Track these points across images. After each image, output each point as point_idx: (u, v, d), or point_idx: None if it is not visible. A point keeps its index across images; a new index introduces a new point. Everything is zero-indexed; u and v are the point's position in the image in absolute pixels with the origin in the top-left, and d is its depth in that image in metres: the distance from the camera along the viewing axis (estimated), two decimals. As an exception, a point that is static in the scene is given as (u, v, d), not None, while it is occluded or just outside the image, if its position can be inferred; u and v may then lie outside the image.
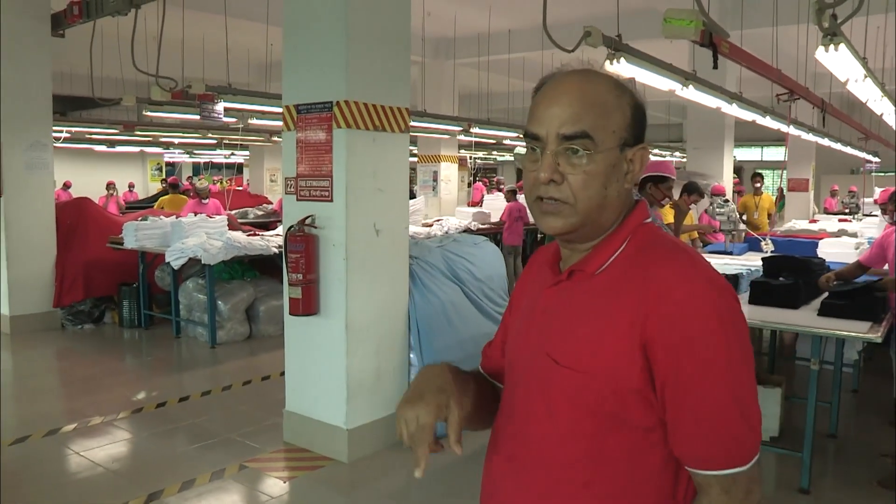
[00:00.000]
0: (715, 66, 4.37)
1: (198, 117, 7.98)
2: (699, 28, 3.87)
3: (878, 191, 15.39)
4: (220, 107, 6.69)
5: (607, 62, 4.61)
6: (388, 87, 4.26)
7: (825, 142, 12.23)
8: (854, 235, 8.11)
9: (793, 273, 4.49)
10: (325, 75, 4.05)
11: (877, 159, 19.79)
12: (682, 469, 1.14)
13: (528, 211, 10.98)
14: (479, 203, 16.95)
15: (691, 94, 5.86)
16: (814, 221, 11.02)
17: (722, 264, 5.06)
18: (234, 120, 9.36)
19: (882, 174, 21.27)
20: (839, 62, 4.57)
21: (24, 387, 5.81)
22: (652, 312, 1.08)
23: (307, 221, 4.14)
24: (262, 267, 7.59)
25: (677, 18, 3.82)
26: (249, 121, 8.98)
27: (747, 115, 7.72)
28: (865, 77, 5.50)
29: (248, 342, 7.15)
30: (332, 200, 4.09)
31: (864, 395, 5.79)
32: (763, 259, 4.69)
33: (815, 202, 18.53)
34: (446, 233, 9.78)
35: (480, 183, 21.10)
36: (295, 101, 4.20)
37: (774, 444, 4.57)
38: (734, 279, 4.53)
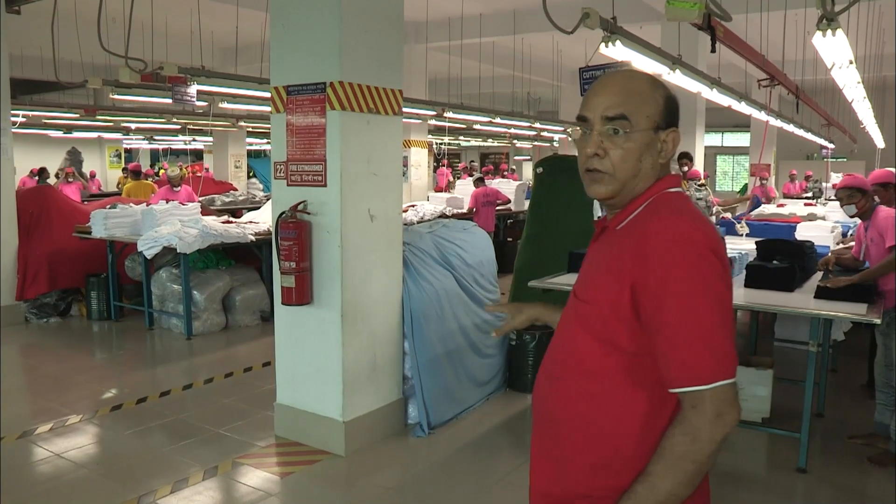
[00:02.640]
0: (713, 50, 4.31)
1: (165, 101, 7.70)
2: (701, 11, 3.80)
3: (835, 175, 15.69)
4: (192, 90, 6.44)
5: (602, 45, 4.52)
6: (382, 68, 4.12)
7: (790, 128, 12.38)
8: (823, 219, 8.21)
9: (786, 257, 4.48)
10: (318, 55, 3.89)
11: (832, 145, 20.20)
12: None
13: (497, 194, 11.08)
14: (444, 189, 16.82)
15: (677, 78, 5.81)
16: (781, 206, 11.16)
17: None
18: (204, 104, 9.06)
19: (833, 160, 21.70)
20: (833, 48, 4.56)
21: (-9, 383, 5.55)
22: (637, 255, 1.34)
23: (300, 207, 3.98)
24: (237, 255, 7.38)
25: (680, 1, 3.74)
26: (219, 104, 8.70)
27: (724, 101, 7.73)
28: (850, 63, 5.52)
29: (224, 333, 6.95)
30: (325, 185, 3.94)
31: (844, 375, 5.85)
32: (757, 243, 4.68)
33: (776, 186, 18.84)
34: (422, 219, 9.66)
35: (445, 168, 20.91)
36: (285, 82, 4.03)
37: (769, 425, 4.59)
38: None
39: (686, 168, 8.57)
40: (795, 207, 10.32)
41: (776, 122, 11.25)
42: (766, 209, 10.68)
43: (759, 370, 4.74)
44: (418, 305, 4.52)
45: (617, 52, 4.50)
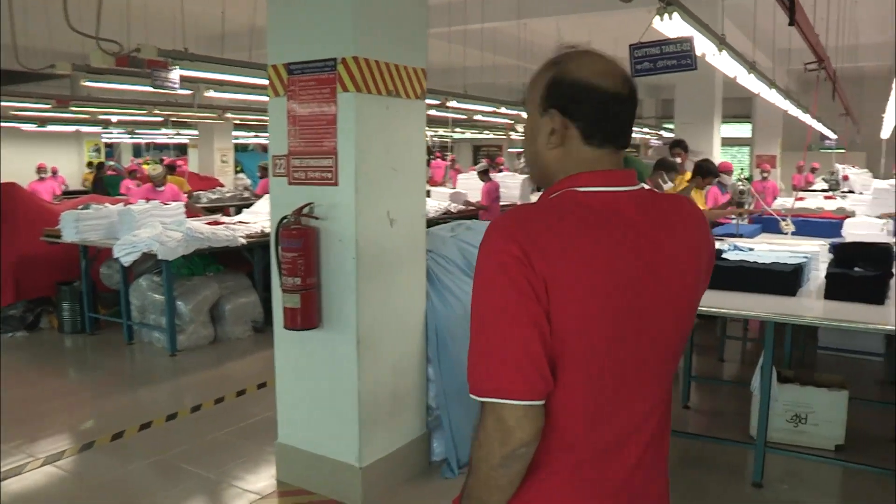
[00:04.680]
0: (791, 23, 3.67)
1: (145, 89, 6.94)
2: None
3: (840, 167, 15.12)
4: (174, 74, 5.69)
5: (657, 17, 3.85)
6: (403, 42, 3.42)
7: (805, 117, 11.77)
8: (853, 214, 7.61)
9: (871, 263, 3.83)
10: (327, 26, 3.19)
11: (834, 136, 19.66)
12: None
13: (499, 190, 10.44)
14: (440, 182, 16.08)
15: (723, 60, 5.15)
16: (800, 199, 10.56)
17: (772, 253, 4.36)
18: (189, 92, 8.30)
19: (829, 151, 21.21)
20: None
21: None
22: None
23: (305, 211, 3.29)
24: (226, 259, 6.65)
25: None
26: (205, 93, 7.94)
27: (758, 87, 7.07)
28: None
29: (213, 347, 6.22)
30: (336, 184, 3.25)
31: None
32: (834, 246, 4.02)
33: (783, 178, 18.33)
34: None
35: (441, 160, 20.13)
36: (286, 59, 3.32)
37: (843, 455, 3.96)
38: (797, 271, 3.83)
39: (679, 159, 7.78)
40: (816, 201, 9.75)
41: (796, 111, 10.61)
42: (786, 202, 10.11)
43: (833, 391, 4.11)
44: (444, 323, 3.84)
45: (674, 26, 3.82)
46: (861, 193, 10.87)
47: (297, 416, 3.57)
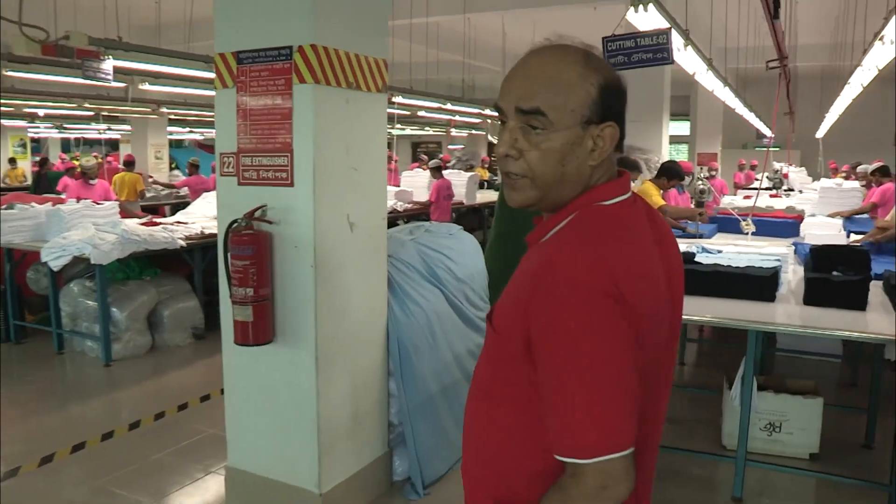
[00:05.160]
0: (776, 17, 3.54)
1: (75, 80, 6.46)
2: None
3: (778, 165, 15.40)
4: (107, 65, 5.27)
5: (631, 9, 3.66)
6: (364, 30, 3.16)
7: (750, 115, 11.91)
8: (803, 213, 7.64)
9: (848, 267, 3.72)
10: (282, 10, 2.89)
11: (772, 134, 20.05)
12: None
13: (451, 188, 10.22)
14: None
15: (688, 56, 5.02)
16: (748, 198, 10.64)
17: (743, 256, 4.25)
18: (122, 85, 7.79)
19: (763, 149, 21.65)
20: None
21: None
22: (534, 293, 1.12)
23: (257, 214, 2.99)
24: (163, 262, 6.24)
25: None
26: (140, 86, 7.47)
27: (714, 85, 7.01)
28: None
29: (151, 356, 5.82)
30: (292, 185, 2.96)
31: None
32: (812, 249, 3.91)
33: (723, 177, 18.61)
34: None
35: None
36: (235, 47, 3.01)
37: (817, 466, 3.87)
38: (775, 276, 3.71)
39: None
40: (764, 199, 9.81)
41: (743, 110, 10.70)
42: (735, 201, 10.16)
43: (807, 399, 4.01)
44: (407, 334, 3.58)
45: (649, 19, 3.64)
46: (801, 192, 11.05)
47: (249, 438, 3.26)
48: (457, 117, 14.06)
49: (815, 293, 3.56)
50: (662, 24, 3.83)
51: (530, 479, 1.21)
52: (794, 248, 5.01)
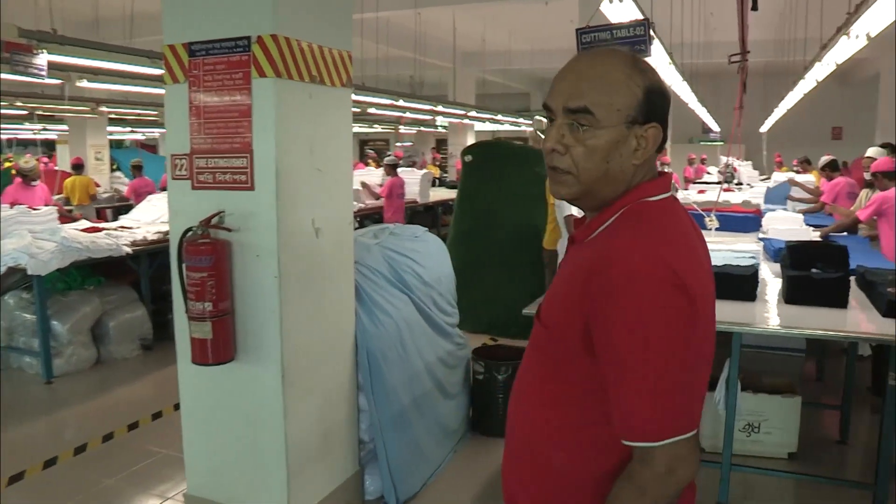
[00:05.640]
0: (754, 7, 3.44)
1: (3, 76, 6.04)
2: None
3: (724, 159, 15.59)
4: (41, 59, 4.90)
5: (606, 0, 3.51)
6: (328, 20, 2.93)
7: (701, 110, 12.00)
8: (758, 207, 7.66)
9: (827, 264, 3.64)
10: (237, -3, 2.65)
11: (719, 129, 20.35)
12: None
13: (404, 186, 10.00)
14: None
15: (654, 49, 4.90)
16: (702, 192, 10.69)
17: (717, 253, 4.14)
18: (58, 82, 7.34)
19: (709, 143, 22.02)
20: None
21: None
22: (593, 283, 1.16)
23: (215, 221, 2.74)
24: (107, 270, 5.87)
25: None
26: (77, 83, 7.05)
27: (674, 78, 6.96)
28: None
29: (96, 370, 5.47)
30: (252, 188, 2.72)
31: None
32: (790, 246, 3.82)
33: (675, 171, 18.79)
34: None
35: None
36: (186, 38, 2.75)
37: (797, 466, 3.80)
38: (756, 275, 3.61)
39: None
40: (715, 194, 9.85)
41: (696, 105, 10.75)
42: (690, 196, 10.18)
43: (786, 398, 3.94)
44: (376, 345, 3.37)
45: (623, 10, 3.49)
46: (751, 186, 11.16)
47: (211, 464, 3.01)
48: (407, 114, 13.82)
49: (797, 291, 3.47)
50: (636, 15, 3.69)
51: (598, 478, 1.24)
52: (762, 243, 4.95)
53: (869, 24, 4.06)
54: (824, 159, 8.32)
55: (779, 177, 9.12)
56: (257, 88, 2.65)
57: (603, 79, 1.21)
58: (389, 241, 3.99)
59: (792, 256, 3.73)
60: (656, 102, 1.23)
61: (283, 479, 2.83)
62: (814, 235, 5.51)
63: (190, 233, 2.69)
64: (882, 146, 7.54)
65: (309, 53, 2.79)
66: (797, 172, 10.48)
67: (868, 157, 6.67)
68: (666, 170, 12.41)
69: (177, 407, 4.43)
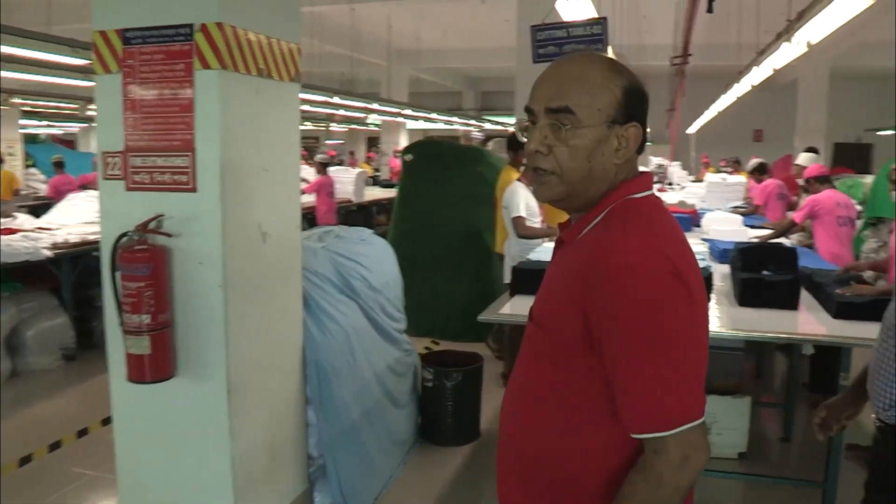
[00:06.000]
0: (709, 10, 3.41)
1: None
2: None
3: (654, 160, 15.91)
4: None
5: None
6: (277, 10, 2.73)
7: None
8: (694, 207, 7.78)
9: (778, 266, 3.64)
10: (178, -19, 2.43)
11: (648, 130, 20.68)
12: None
13: (334, 185, 9.76)
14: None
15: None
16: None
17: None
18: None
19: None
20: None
21: None
22: (590, 281, 1.17)
23: (152, 225, 2.51)
24: (23, 275, 5.47)
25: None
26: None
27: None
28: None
29: (13, 384, 5.09)
30: (194, 189, 2.50)
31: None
32: (740, 249, 3.82)
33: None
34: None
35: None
36: (120, 24, 2.51)
37: (745, 466, 3.81)
38: (710, 278, 3.60)
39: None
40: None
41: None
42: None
43: (736, 398, 3.94)
44: (325, 356, 3.19)
45: (579, 7, 3.40)
46: (683, 186, 11.38)
47: (148, 487, 2.76)
48: (340, 111, 13.55)
49: (750, 294, 3.45)
50: (592, 13, 3.62)
51: (609, 480, 1.23)
52: (708, 245, 4.98)
53: (811, 33, 4.12)
54: (753, 162, 8.48)
55: (712, 178, 9.25)
56: (200, 81, 2.43)
57: (583, 80, 1.23)
58: (336, 245, 3.80)
59: (743, 258, 3.72)
60: (635, 102, 1.26)
61: (230, 502, 2.62)
62: (752, 236, 5.58)
63: (125, 238, 2.45)
64: (808, 150, 7.75)
65: (256, 45, 2.58)
66: (729, 173, 10.72)
67: (798, 165, 6.84)
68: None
69: (105, 422, 4.15)
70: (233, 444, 2.61)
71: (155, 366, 2.47)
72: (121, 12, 2.49)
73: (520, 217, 4.59)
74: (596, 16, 3.58)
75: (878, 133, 16.98)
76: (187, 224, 2.52)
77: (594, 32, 3.50)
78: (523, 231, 4.62)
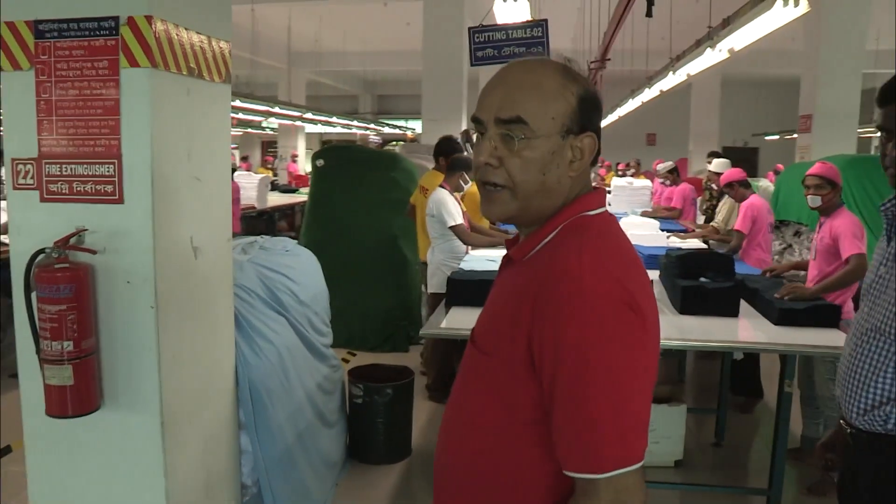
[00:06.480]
0: (649, 14, 3.41)
1: None
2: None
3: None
4: None
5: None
6: (207, 6, 2.52)
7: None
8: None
9: (716, 273, 3.68)
10: (101, -32, 2.18)
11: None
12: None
13: (240, 192, 9.39)
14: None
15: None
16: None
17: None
18: None
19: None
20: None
21: None
22: (534, 302, 1.10)
23: (74, 241, 2.24)
24: None
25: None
26: None
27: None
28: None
29: None
30: (121, 201, 2.25)
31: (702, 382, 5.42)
32: (680, 256, 3.84)
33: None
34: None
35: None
36: (32, 15, 2.22)
37: (682, 475, 3.86)
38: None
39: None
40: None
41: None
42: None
43: (672, 406, 3.99)
44: (258, 377, 2.98)
45: (517, 8, 3.33)
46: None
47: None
48: (240, 115, 13.09)
49: (691, 302, 3.48)
50: (527, 16, 3.56)
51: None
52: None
53: (735, 40, 4.23)
54: (667, 165, 8.69)
55: (618, 182, 9.47)
56: (127, 80, 2.19)
57: (535, 87, 1.16)
58: (261, 257, 3.58)
59: (681, 266, 3.76)
60: (590, 111, 1.19)
61: (163, 547, 2.38)
62: (669, 241, 5.70)
63: (42, 256, 2.18)
64: (713, 155, 8.03)
65: (188, 42, 2.36)
66: (632, 176, 11.03)
67: (713, 172, 7.02)
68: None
69: (5, 451, 3.74)
70: (168, 481, 2.36)
71: (78, 398, 2.20)
72: (33, 2, 2.21)
73: (459, 225, 4.51)
74: (530, 17, 3.53)
75: (765, 137, 17.98)
76: (113, 239, 2.27)
77: (534, 35, 3.44)
78: (467, 239, 4.54)
